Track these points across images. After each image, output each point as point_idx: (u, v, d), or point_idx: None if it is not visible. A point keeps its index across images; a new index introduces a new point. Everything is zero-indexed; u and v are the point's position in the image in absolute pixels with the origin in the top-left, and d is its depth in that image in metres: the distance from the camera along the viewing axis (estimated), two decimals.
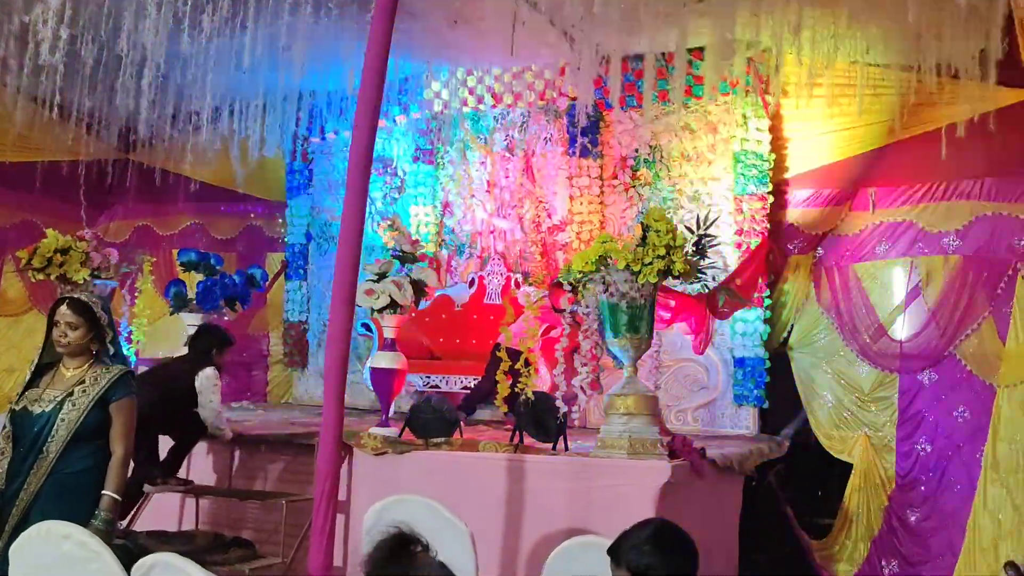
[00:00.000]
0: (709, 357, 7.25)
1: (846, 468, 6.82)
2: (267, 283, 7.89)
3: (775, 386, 7.16)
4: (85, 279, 6.53)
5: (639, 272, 4.75)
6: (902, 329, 6.76)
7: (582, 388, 4.86)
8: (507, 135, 8.19)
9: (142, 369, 5.82)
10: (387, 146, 8.71)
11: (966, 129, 5.70)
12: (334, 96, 8.56)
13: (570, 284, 4.93)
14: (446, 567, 2.11)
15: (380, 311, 5.63)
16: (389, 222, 8.59)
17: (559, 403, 4.94)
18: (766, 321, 7.13)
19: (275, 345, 9.34)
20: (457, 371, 7.75)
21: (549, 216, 7.98)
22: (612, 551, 2.53)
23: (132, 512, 5.57)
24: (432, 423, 5.30)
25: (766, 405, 7.13)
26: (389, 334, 5.81)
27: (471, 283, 8.12)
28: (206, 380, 5.42)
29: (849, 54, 6.47)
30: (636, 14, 5.72)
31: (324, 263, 8.83)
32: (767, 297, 7.13)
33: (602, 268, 4.87)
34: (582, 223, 7.65)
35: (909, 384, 6.69)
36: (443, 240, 8.43)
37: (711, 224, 5.03)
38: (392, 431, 5.53)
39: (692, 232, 4.92)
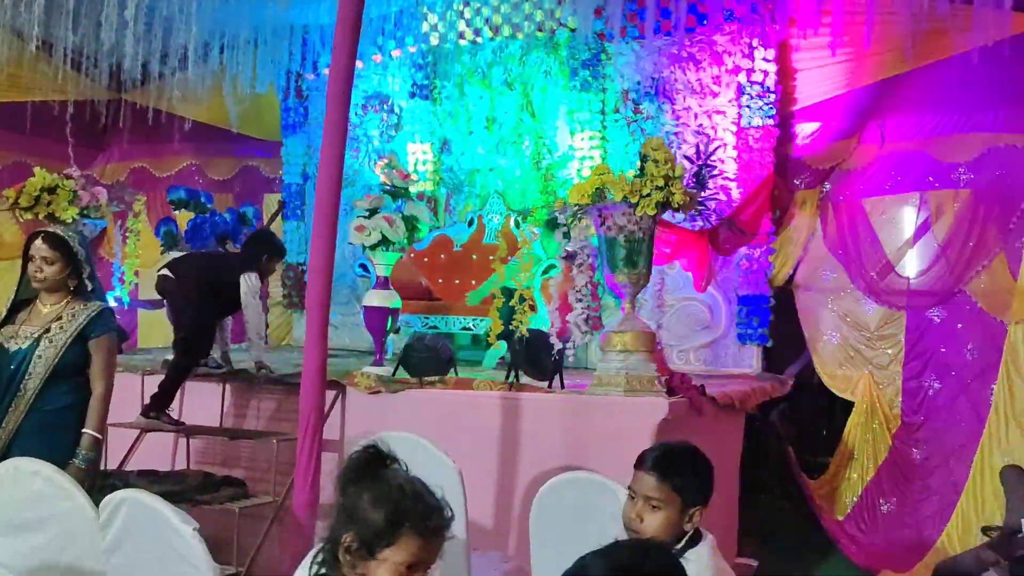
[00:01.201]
0: (712, 295, 7.11)
1: (849, 407, 6.72)
2: (260, 222, 7.76)
3: (779, 325, 7.02)
4: (74, 218, 6.41)
5: (637, 204, 4.58)
6: (910, 266, 6.61)
7: (577, 325, 4.73)
8: (506, 69, 7.95)
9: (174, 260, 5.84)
10: (383, 82, 8.49)
11: (979, 57, 5.47)
12: (328, 30, 8.29)
13: (565, 220, 4.76)
14: (419, 481, 2.03)
15: (372, 248, 5.47)
16: (386, 160, 8.44)
17: (553, 340, 4.81)
18: (771, 258, 6.96)
19: (274, 287, 9.23)
20: (457, 312, 7.65)
21: (549, 152, 7.78)
22: (641, 458, 2.63)
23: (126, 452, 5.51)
24: (426, 361, 5.19)
25: (770, 344, 7.00)
26: (382, 272, 5.68)
27: (470, 222, 7.96)
28: (249, 281, 5.47)
29: None
30: None
31: None
32: (772, 234, 6.95)
33: (598, 201, 4.70)
34: (583, 159, 7.45)
35: (917, 322, 6.54)
36: (441, 178, 8.24)
37: (711, 154, 4.87)
38: (386, 370, 5.42)
39: (692, 162, 4.74)
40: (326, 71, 8.51)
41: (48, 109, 8.98)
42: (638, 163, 4.76)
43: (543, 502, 3.28)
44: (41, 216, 6.38)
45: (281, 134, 8.98)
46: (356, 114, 8.58)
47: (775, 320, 6.99)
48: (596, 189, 4.68)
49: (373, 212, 5.47)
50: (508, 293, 5.21)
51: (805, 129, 7.03)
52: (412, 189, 8.12)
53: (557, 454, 4.66)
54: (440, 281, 8.04)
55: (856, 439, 6.60)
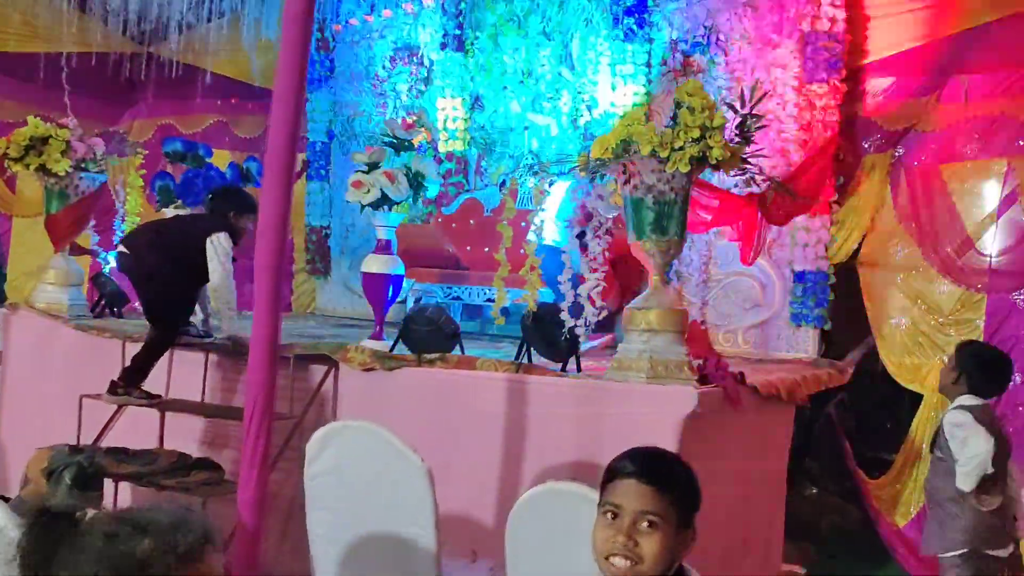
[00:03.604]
0: (764, 270, 6.39)
1: (918, 400, 6.02)
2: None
3: (840, 305, 6.32)
4: (67, 171, 5.98)
5: (668, 159, 3.89)
6: (993, 242, 5.86)
7: (590, 299, 4.08)
8: (543, 17, 7.26)
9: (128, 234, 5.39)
10: (412, 32, 7.87)
11: None
12: None
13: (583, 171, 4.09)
14: (137, 512, 1.43)
15: (371, 207, 4.87)
16: (416, 117, 7.85)
17: (565, 316, 4.16)
18: (832, 230, 6.19)
19: (299, 251, 8.75)
20: (484, 283, 7.03)
21: (589, 109, 7.08)
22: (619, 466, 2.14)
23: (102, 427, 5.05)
24: (427, 336, 4.60)
25: (828, 326, 6.29)
26: (382, 234, 5.09)
27: (502, 185, 7.32)
28: (217, 244, 4.92)
29: None
30: None
31: (347, 163, 8.09)
32: (835, 202, 6.19)
33: (624, 155, 4.02)
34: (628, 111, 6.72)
35: (998, 305, 5.81)
36: (472, 138, 7.61)
37: (759, 101, 4.12)
38: (385, 344, 4.85)
39: (735, 111, 4.02)
40: (353, 21, 8.14)
41: (69, 61, 8.62)
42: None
43: (520, 518, 2.67)
44: (32, 168, 5.98)
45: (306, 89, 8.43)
46: (384, 67, 8.03)
47: (835, 300, 6.30)
48: (621, 141, 4.00)
49: (373, 167, 4.86)
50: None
51: (877, 85, 6.26)
52: (441, 148, 7.64)
53: (566, 448, 4.05)
54: (468, 249, 7.44)
55: (925, 436, 5.85)
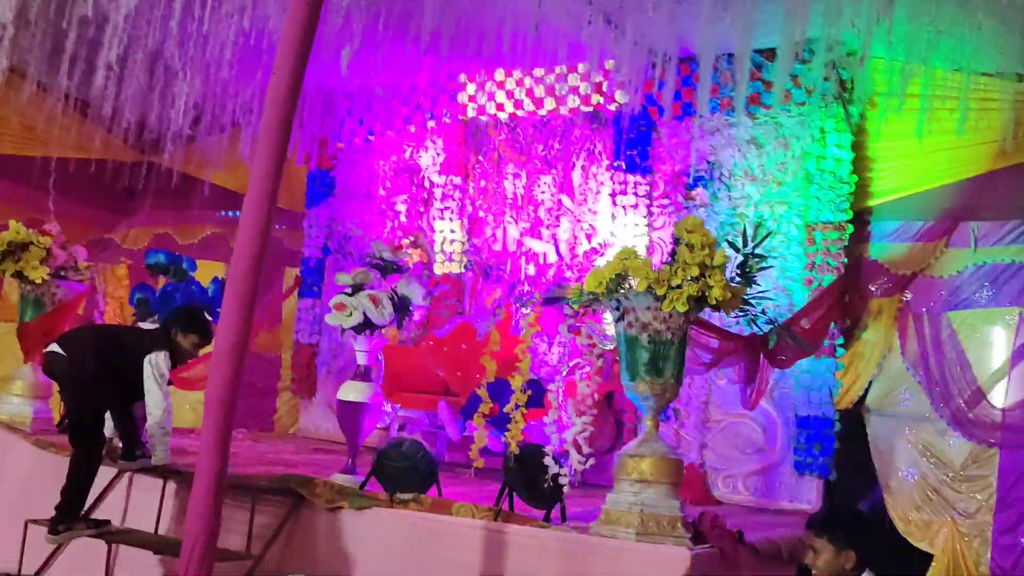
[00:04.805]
0: (767, 414, 6.12)
1: (928, 559, 5.70)
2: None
3: (845, 454, 6.04)
4: (44, 279, 5.77)
5: (664, 297, 3.66)
6: (1005, 394, 5.62)
7: (576, 444, 3.78)
8: (546, 144, 7.21)
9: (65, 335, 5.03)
10: (415, 155, 7.82)
11: None
12: (357, 96, 7.74)
13: (574, 305, 3.86)
14: None
15: (353, 331, 4.63)
16: (412, 238, 7.74)
17: (548, 461, 3.85)
18: (837, 375, 5.94)
19: (285, 368, 8.48)
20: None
21: (588, 238, 6.94)
22: None
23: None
24: (402, 474, 4.27)
25: (833, 476, 5.98)
26: (361, 359, 4.83)
27: (494, 312, 7.10)
28: (155, 364, 4.64)
29: (954, 59, 5.34)
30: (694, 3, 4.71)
31: None
32: (840, 346, 5.96)
33: (620, 290, 3.80)
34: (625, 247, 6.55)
35: (1012, 462, 5.56)
36: (469, 261, 7.46)
37: (762, 240, 3.92)
38: (355, 480, 4.51)
39: (737, 250, 3.82)
40: (357, 141, 8.12)
41: (67, 166, 8.56)
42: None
43: None
44: (9, 274, 5.78)
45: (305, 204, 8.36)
46: (384, 187, 7.95)
47: (841, 448, 6.02)
48: (616, 275, 3.78)
49: (357, 288, 4.64)
50: (499, 390, 4.29)
51: (884, 227, 6.14)
52: (437, 270, 7.48)
53: None
54: (459, 374, 7.15)
55: None
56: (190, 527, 2.84)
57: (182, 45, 5.79)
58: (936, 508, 5.74)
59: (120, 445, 4.94)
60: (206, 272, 6.49)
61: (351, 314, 4.58)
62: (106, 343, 4.80)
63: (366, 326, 4.62)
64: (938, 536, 5.69)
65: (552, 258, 7.05)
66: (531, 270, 7.13)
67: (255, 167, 2.94)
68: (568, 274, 6.95)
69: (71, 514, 4.47)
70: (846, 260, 6.00)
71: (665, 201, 6.58)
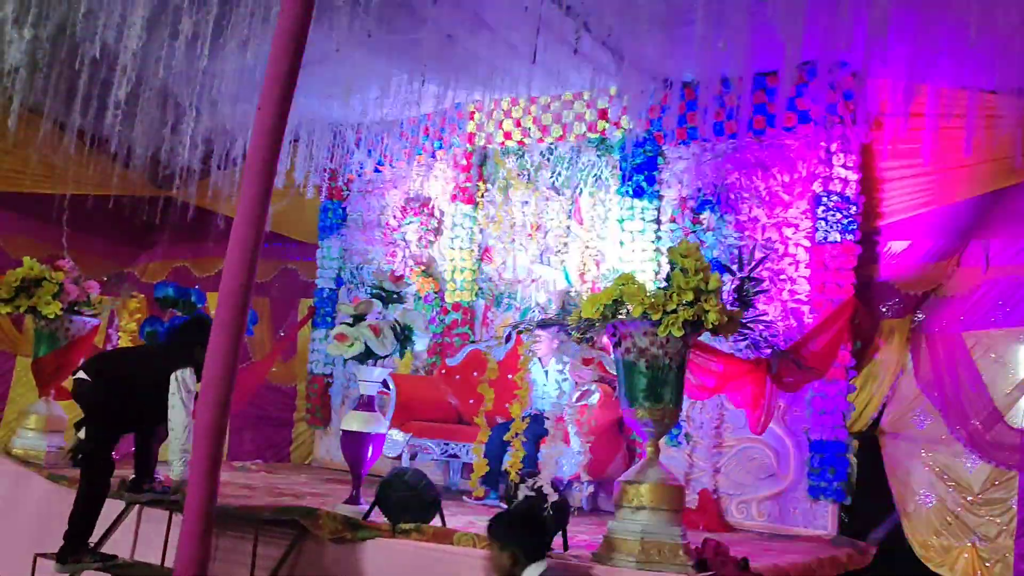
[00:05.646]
0: (780, 438, 6.04)
1: None
2: (256, 326, 7.09)
3: (861, 478, 5.95)
4: (57, 314, 5.83)
5: (660, 322, 3.65)
6: (1023, 415, 5.51)
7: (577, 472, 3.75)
8: (553, 172, 7.22)
9: (89, 360, 5.00)
10: (425, 184, 7.87)
11: None
12: (372, 128, 7.81)
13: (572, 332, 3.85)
14: None
15: (355, 361, 4.63)
16: (423, 267, 7.76)
17: (547, 489, 3.82)
18: (850, 397, 5.85)
19: (300, 399, 8.51)
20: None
21: (597, 264, 6.93)
22: None
23: None
24: (405, 503, 4.26)
25: (848, 501, 5.88)
26: (364, 389, 4.82)
27: (507, 338, 7.09)
28: (182, 381, 4.56)
29: (954, 76, 5.31)
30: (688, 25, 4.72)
31: None
32: (853, 368, 5.87)
33: (617, 315, 3.79)
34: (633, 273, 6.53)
35: None
36: (479, 288, 7.46)
37: (758, 264, 3.90)
38: (359, 510, 4.50)
39: (732, 274, 3.79)
40: (367, 172, 8.18)
41: (85, 201, 8.70)
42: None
43: None
44: (22, 310, 5.84)
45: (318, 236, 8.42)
46: (394, 216, 8.01)
47: (856, 472, 5.93)
48: (613, 301, 3.77)
49: (358, 319, 4.65)
50: (503, 427, 4.26)
51: (893, 248, 6.09)
52: (448, 298, 7.49)
53: None
54: (471, 402, 7.13)
55: None
56: (181, 555, 2.85)
57: (189, 82, 5.89)
58: (955, 532, 5.63)
59: (131, 477, 4.95)
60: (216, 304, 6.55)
61: (352, 344, 4.59)
62: (129, 364, 4.80)
63: (368, 355, 4.62)
64: (958, 561, 5.57)
65: (561, 284, 7.04)
66: (541, 297, 7.12)
67: (243, 192, 2.97)
68: (578, 300, 6.91)
69: (79, 543, 4.47)
70: (855, 281, 5.94)
71: (673, 226, 6.55)
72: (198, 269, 9.64)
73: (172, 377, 4.49)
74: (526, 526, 3.51)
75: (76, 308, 6.04)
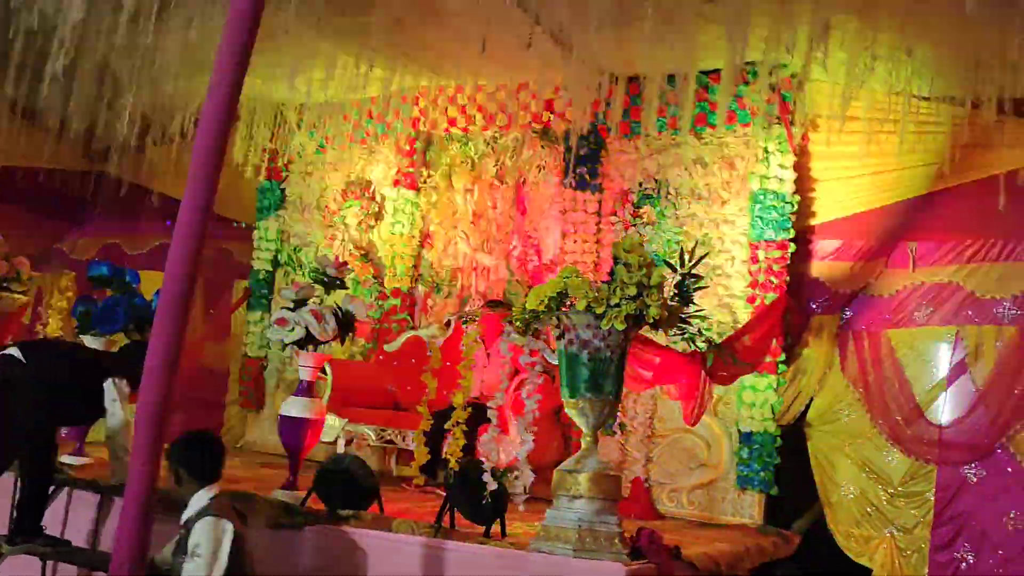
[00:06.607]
0: (710, 430, 6.18)
1: (867, 574, 5.79)
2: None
3: (787, 469, 6.10)
4: None
5: (603, 316, 3.71)
6: (943, 411, 5.77)
7: (524, 462, 3.80)
8: (498, 160, 7.24)
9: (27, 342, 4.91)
10: (367, 168, 7.81)
11: None
12: (315, 109, 7.71)
13: (519, 322, 3.89)
14: None
15: (296, 346, 4.60)
16: (363, 251, 7.72)
17: (486, 477, 3.87)
18: (779, 391, 6.01)
19: (233, 382, 8.40)
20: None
21: (538, 255, 6.98)
22: None
23: None
24: (343, 490, 4.26)
25: (775, 491, 6.03)
26: (303, 375, 4.80)
27: (447, 325, 7.10)
28: (118, 389, 4.60)
29: (891, 83, 5.48)
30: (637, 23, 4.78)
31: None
32: (781, 363, 6.03)
33: (561, 308, 3.84)
34: (575, 264, 6.59)
35: (949, 479, 5.68)
36: (420, 275, 7.45)
37: (699, 261, 3.99)
38: (297, 496, 4.49)
39: (674, 270, 3.88)
40: (308, 153, 8.09)
41: (17, 176, 8.45)
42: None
43: None
44: None
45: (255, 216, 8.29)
46: (335, 200, 7.92)
47: (783, 464, 6.07)
48: (558, 294, 3.82)
49: (299, 304, 4.63)
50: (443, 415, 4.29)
51: (825, 247, 6.24)
52: (387, 284, 7.46)
53: None
54: (409, 389, 7.13)
55: None
56: (119, 543, 2.82)
57: (129, 56, 5.75)
58: (875, 523, 5.84)
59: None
60: (150, 283, 6.39)
61: (293, 329, 4.56)
62: (71, 359, 4.72)
63: (308, 340, 4.61)
64: (877, 552, 5.78)
65: (503, 273, 7.07)
66: (481, 286, 7.14)
67: (191, 178, 2.94)
68: (518, 290, 6.96)
69: (30, 524, 4.36)
70: (788, 278, 6.09)
71: (614, 219, 6.64)
72: (129, 246, 9.38)
73: (107, 384, 4.45)
74: (193, 448, 3.72)
75: (4, 284, 5.87)
